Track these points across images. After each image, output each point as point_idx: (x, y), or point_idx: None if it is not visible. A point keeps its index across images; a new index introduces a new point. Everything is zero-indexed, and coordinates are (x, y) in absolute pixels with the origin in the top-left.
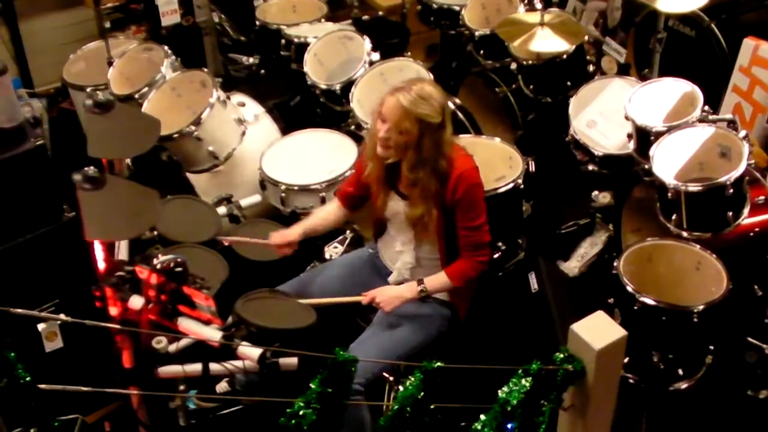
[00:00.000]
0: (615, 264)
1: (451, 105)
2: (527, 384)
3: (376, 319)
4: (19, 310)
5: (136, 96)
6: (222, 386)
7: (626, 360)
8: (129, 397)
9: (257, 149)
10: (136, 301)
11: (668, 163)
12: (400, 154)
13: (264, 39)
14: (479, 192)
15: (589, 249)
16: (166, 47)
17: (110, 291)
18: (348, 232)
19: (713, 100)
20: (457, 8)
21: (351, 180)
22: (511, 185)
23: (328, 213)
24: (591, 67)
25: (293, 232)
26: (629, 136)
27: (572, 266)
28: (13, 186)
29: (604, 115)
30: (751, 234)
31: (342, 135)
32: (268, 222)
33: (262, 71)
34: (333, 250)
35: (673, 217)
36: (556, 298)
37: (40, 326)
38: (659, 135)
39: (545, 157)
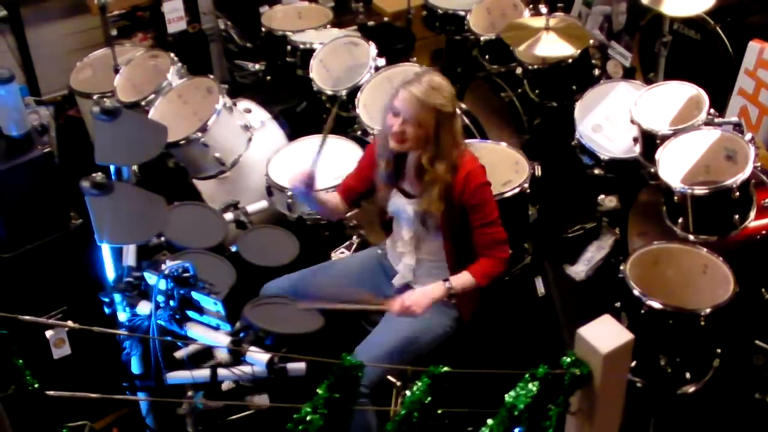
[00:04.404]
0: (621, 268)
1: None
2: (534, 388)
3: (381, 321)
4: (27, 317)
5: (143, 103)
6: (228, 383)
7: (633, 364)
8: (137, 403)
9: (264, 155)
10: (144, 307)
11: (674, 166)
12: (417, 146)
13: (270, 45)
14: (488, 190)
15: (595, 253)
16: (172, 54)
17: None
18: (355, 237)
19: (719, 103)
20: (462, 13)
21: (354, 174)
22: (518, 190)
23: (333, 195)
24: (596, 71)
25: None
26: (635, 140)
27: (579, 270)
28: (20, 193)
29: (610, 119)
30: (758, 237)
31: (348, 141)
32: (276, 228)
33: (268, 78)
34: (340, 256)
35: (680, 220)
36: (563, 302)
37: (48, 333)
38: (665, 138)
39: (551, 161)
